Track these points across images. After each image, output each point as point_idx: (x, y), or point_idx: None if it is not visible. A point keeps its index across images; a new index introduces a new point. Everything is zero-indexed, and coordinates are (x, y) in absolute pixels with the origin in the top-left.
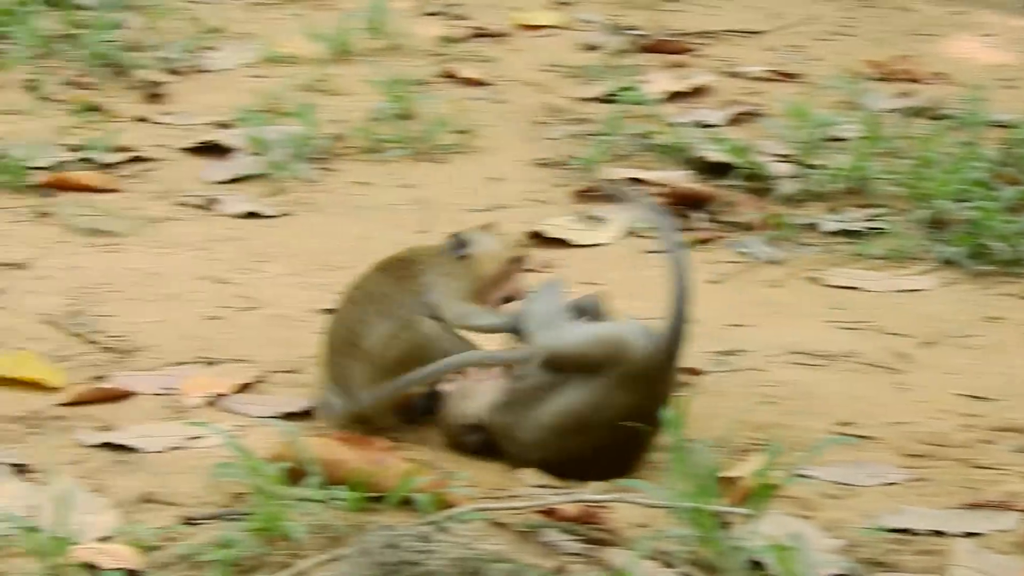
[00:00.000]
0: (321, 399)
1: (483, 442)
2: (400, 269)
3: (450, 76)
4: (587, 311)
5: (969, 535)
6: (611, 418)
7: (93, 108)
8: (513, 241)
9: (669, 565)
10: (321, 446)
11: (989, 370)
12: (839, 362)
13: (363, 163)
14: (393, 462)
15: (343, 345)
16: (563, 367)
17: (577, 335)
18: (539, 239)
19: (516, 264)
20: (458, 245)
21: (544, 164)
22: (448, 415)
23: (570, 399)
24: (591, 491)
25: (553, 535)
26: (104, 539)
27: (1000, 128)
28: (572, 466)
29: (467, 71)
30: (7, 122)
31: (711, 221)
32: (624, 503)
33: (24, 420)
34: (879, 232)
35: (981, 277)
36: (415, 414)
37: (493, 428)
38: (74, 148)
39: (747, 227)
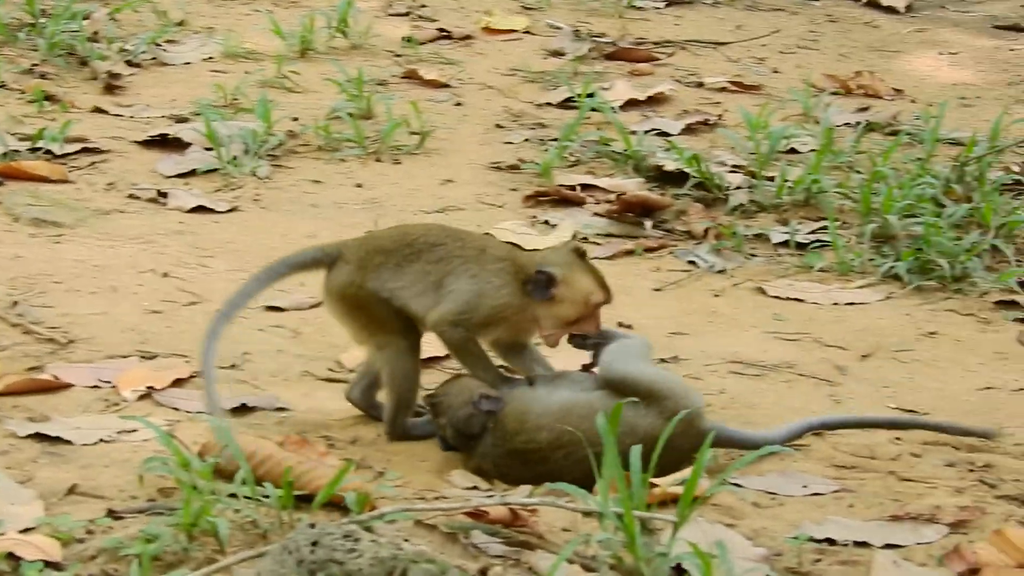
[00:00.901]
0: None
1: (494, 412)
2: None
3: (412, 77)
4: None
5: (892, 547)
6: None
7: (50, 98)
8: (601, 277)
9: (592, 570)
10: (251, 443)
11: (923, 384)
12: (776, 372)
13: (317, 161)
14: (323, 461)
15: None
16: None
17: (647, 367)
18: None
19: (600, 306)
20: (544, 285)
21: (498, 168)
22: (465, 384)
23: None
24: (518, 494)
25: (479, 537)
26: (27, 530)
27: (954, 145)
28: (551, 456)
29: (429, 73)
30: None
31: (661, 229)
32: (550, 507)
33: None
34: (826, 245)
35: (923, 292)
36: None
37: (511, 397)
38: (27, 137)
39: (696, 236)
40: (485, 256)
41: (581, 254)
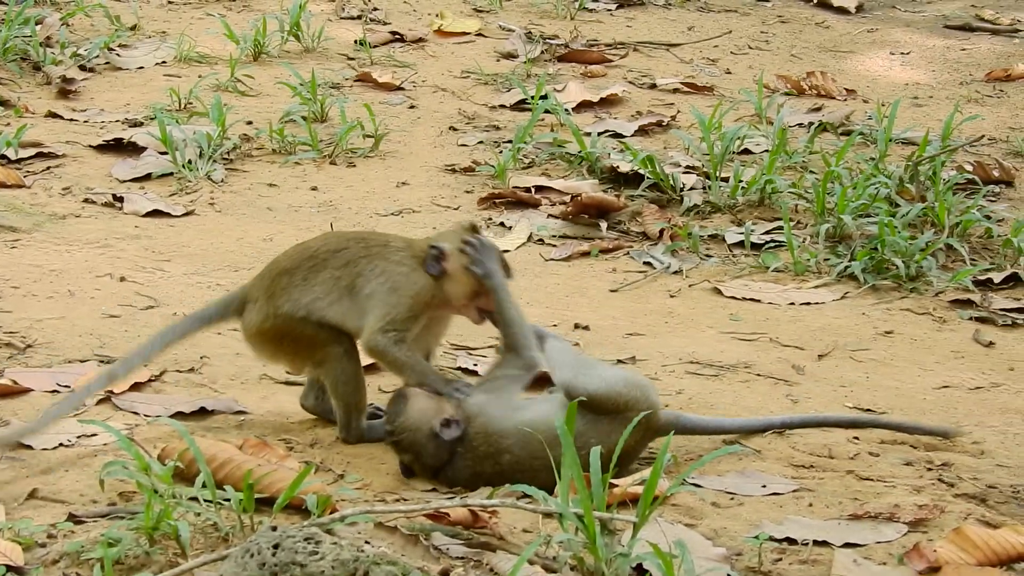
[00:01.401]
0: None
1: (458, 438)
2: (351, 247)
3: (365, 80)
4: None
5: (851, 546)
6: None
7: (4, 103)
8: (497, 253)
9: (553, 571)
10: (211, 446)
11: (880, 383)
12: (733, 372)
13: (272, 164)
14: (283, 463)
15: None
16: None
17: (609, 376)
18: None
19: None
20: (435, 259)
21: (452, 170)
22: (421, 412)
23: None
24: (478, 496)
25: (440, 539)
26: None
27: (907, 145)
28: (515, 479)
29: (383, 76)
30: None
31: (616, 230)
32: (511, 508)
33: None
34: (781, 245)
35: (878, 292)
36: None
37: (472, 419)
38: None
39: (651, 237)
40: (388, 249)
41: (474, 229)
